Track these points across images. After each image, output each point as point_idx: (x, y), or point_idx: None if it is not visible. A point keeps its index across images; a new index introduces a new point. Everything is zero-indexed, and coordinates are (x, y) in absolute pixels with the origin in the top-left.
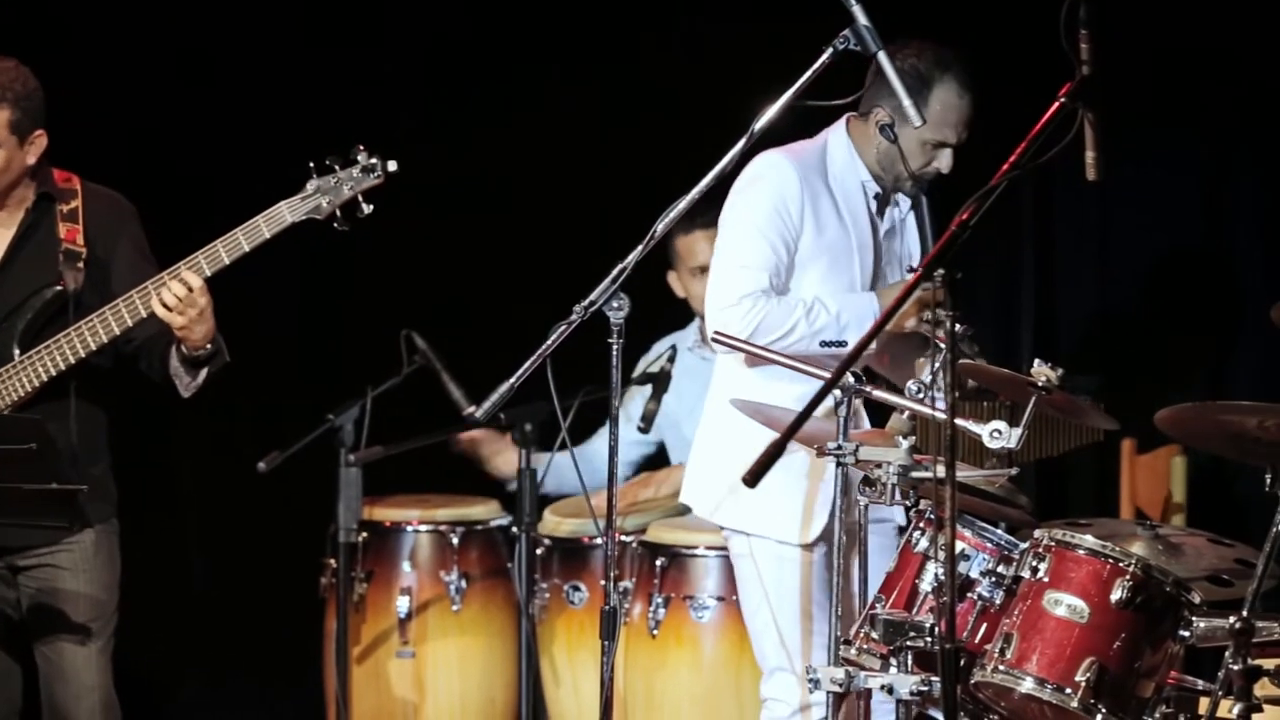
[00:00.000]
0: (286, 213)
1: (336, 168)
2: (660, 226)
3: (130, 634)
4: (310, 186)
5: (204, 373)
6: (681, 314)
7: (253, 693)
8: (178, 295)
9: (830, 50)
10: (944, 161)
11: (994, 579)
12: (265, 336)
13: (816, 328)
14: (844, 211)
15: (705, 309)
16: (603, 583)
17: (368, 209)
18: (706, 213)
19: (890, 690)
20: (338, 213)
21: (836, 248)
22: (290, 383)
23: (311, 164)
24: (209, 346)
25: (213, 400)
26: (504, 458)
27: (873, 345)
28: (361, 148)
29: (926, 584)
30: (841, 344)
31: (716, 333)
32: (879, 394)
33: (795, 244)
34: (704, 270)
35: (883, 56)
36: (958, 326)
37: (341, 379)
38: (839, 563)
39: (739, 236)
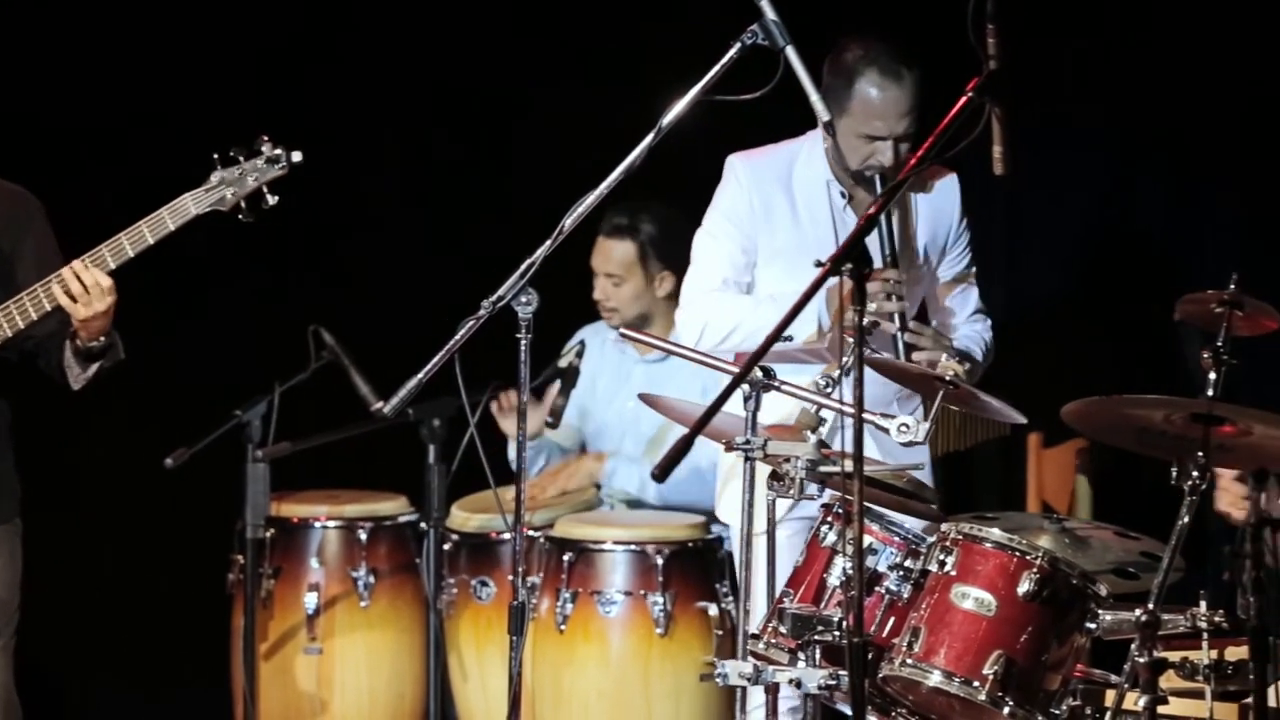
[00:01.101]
0: (191, 204)
1: (241, 159)
2: (568, 222)
3: (35, 632)
4: (214, 178)
5: (95, 366)
6: (591, 309)
7: (160, 690)
8: (85, 285)
9: (738, 45)
10: (883, 156)
11: (901, 573)
12: (172, 332)
13: (760, 324)
14: (802, 212)
15: None
16: (510, 578)
17: (273, 200)
18: (613, 218)
19: (798, 684)
20: (243, 204)
21: (790, 248)
22: (197, 378)
23: (215, 155)
24: (103, 339)
25: (119, 397)
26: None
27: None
28: (266, 138)
29: (834, 578)
30: (788, 339)
31: (623, 330)
32: (787, 388)
33: (752, 243)
34: (608, 276)
35: (790, 51)
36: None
37: (249, 375)
38: (744, 557)
39: (697, 239)
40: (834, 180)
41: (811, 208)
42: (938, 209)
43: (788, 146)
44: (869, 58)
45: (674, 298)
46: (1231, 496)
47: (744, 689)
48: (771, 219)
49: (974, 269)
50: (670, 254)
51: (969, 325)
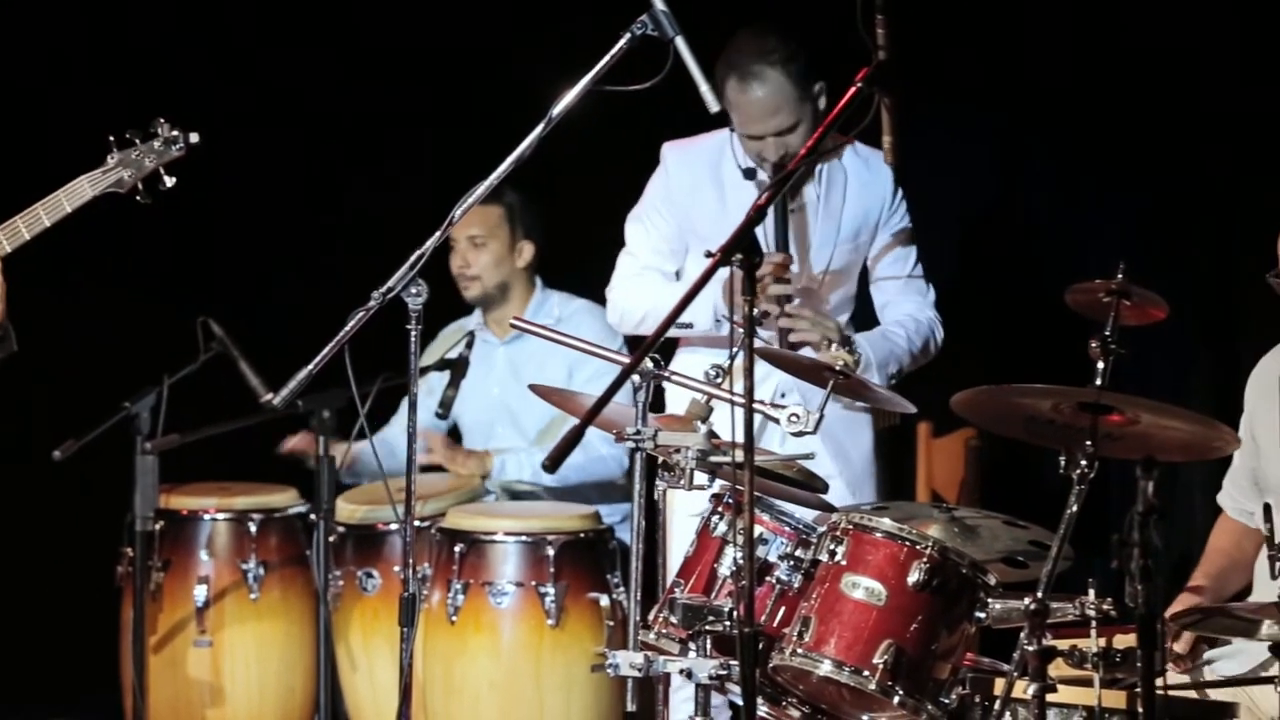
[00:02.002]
0: (87, 186)
1: (137, 141)
2: (458, 212)
3: None
4: (111, 160)
5: None
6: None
7: (48, 684)
8: None
9: (628, 35)
10: (768, 152)
11: (792, 562)
12: (60, 323)
13: (664, 310)
14: (728, 198)
15: None
16: (396, 569)
17: (170, 182)
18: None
19: (689, 674)
20: (140, 186)
21: (715, 234)
22: (85, 370)
23: (111, 137)
24: None
25: (6, 389)
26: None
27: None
28: (163, 120)
29: (725, 568)
30: (688, 325)
31: (515, 319)
32: (677, 378)
33: (678, 230)
34: (471, 238)
35: (680, 42)
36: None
37: (137, 366)
38: (638, 548)
39: (627, 224)
40: (753, 167)
41: (736, 195)
42: (869, 188)
43: (721, 135)
44: (729, 63)
45: (532, 269)
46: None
47: (666, 683)
48: (697, 206)
49: (913, 243)
50: (531, 225)
51: (904, 305)
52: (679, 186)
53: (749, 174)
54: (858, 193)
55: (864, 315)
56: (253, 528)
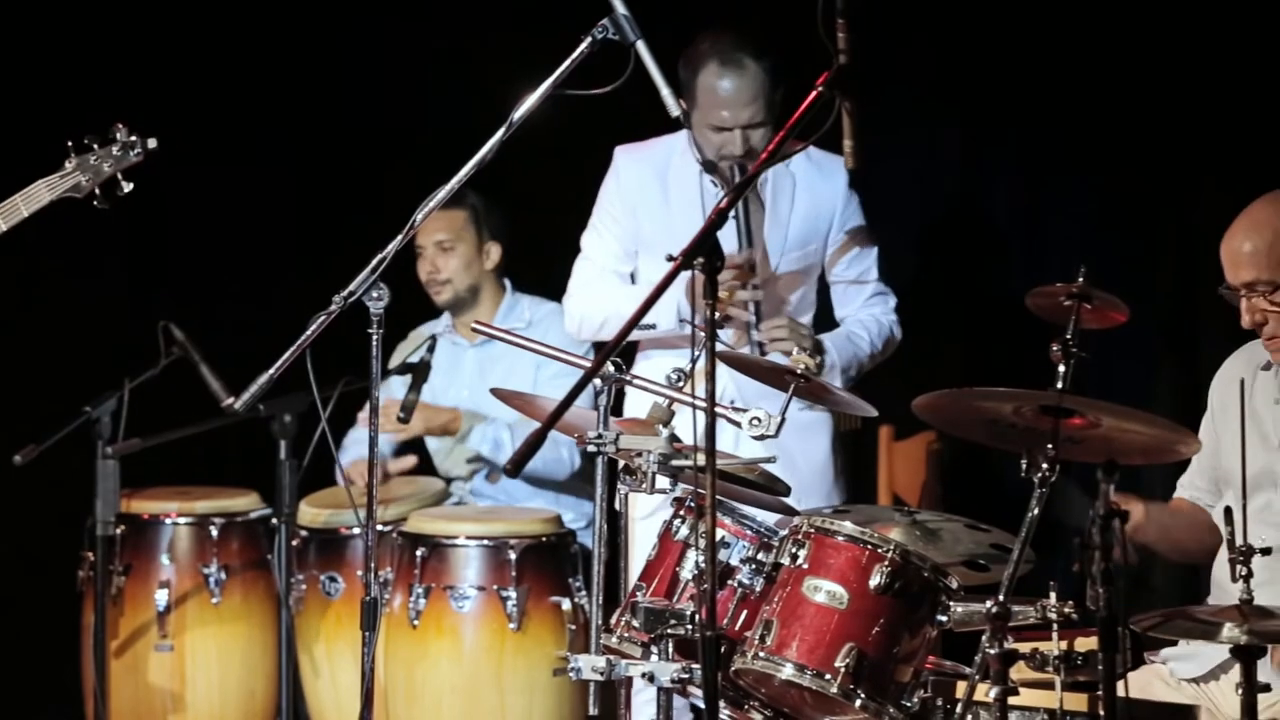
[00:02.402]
0: (45, 191)
1: (96, 146)
2: (420, 216)
3: None
4: (69, 164)
5: None
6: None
7: (9, 688)
8: None
9: (589, 39)
10: (733, 146)
11: (754, 566)
12: (20, 327)
13: (625, 314)
14: (674, 202)
15: None
16: (359, 573)
17: (128, 187)
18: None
19: (651, 678)
20: (98, 191)
21: (662, 238)
22: (46, 374)
23: (70, 142)
24: None
25: None
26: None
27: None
28: (121, 126)
29: (687, 572)
30: (651, 326)
31: (477, 323)
32: (639, 382)
33: (630, 234)
34: (438, 243)
35: (641, 46)
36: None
37: (98, 371)
38: (600, 551)
39: (587, 228)
40: (703, 169)
41: (684, 197)
42: (819, 194)
43: (673, 138)
44: (711, 50)
45: (499, 271)
46: None
47: (628, 687)
48: (645, 209)
49: (872, 249)
50: (496, 227)
51: (867, 309)
52: (629, 189)
53: (708, 167)
54: (806, 198)
55: (824, 319)
56: (214, 532)
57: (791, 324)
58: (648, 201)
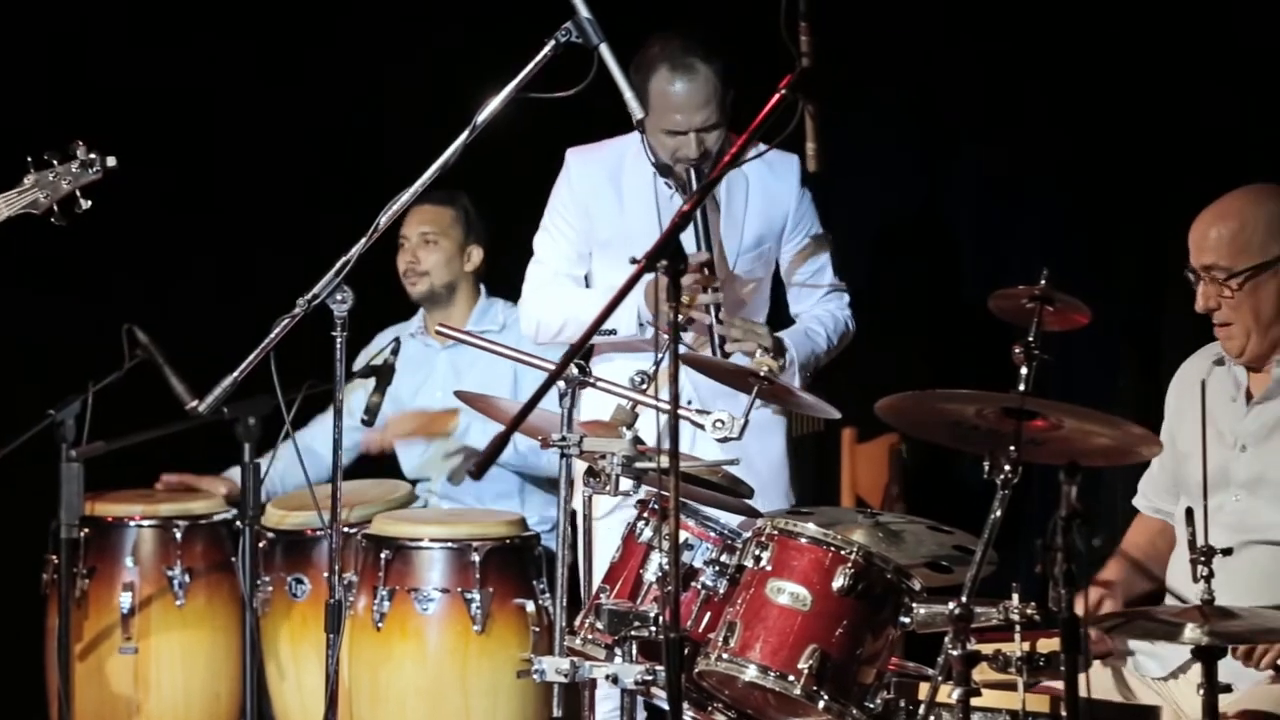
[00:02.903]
0: (2, 207)
1: (55, 162)
2: (384, 219)
3: None
4: (27, 181)
5: None
6: (406, 306)
7: None
8: None
9: (552, 43)
10: (687, 149)
11: (717, 568)
12: None
13: (588, 317)
14: (628, 204)
15: None
16: (326, 576)
17: (86, 204)
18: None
19: (615, 680)
20: (55, 208)
21: (616, 240)
22: (9, 377)
23: (29, 158)
24: None
25: None
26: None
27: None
28: (80, 143)
29: (651, 574)
30: (611, 332)
31: (440, 325)
32: (603, 384)
33: (583, 236)
34: (423, 234)
35: (604, 49)
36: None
37: (62, 374)
38: (564, 554)
39: (537, 235)
40: (657, 173)
41: (638, 199)
42: (773, 194)
43: (624, 140)
44: (662, 54)
45: (478, 275)
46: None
47: (592, 689)
48: (599, 212)
49: (826, 247)
50: (481, 231)
51: (822, 305)
52: (582, 190)
53: (663, 170)
54: (760, 199)
55: (777, 318)
56: (178, 534)
57: (744, 323)
58: (601, 203)
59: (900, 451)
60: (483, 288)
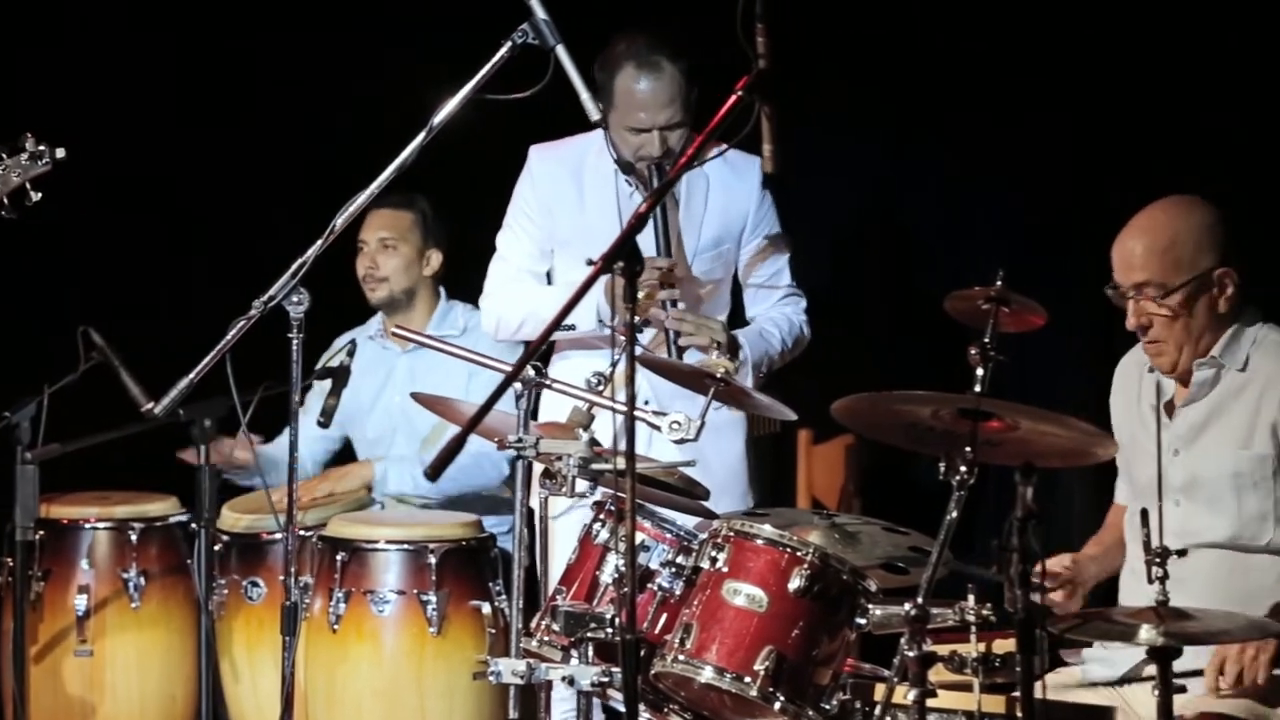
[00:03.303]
0: None
1: (4, 155)
2: (339, 221)
3: None
4: None
5: None
6: (365, 308)
7: None
8: None
9: (509, 44)
10: (650, 147)
11: (674, 569)
12: None
13: (548, 314)
14: (589, 201)
15: None
16: (281, 578)
17: (36, 196)
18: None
19: (571, 682)
20: (5, 200)
21: (577, 237)
22: None
23: None
24: None
25: None
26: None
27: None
28: (29, 135)
29: (607, 575)
30: (570, 327)
31: (396, 327)
32: (559, 386)
33: (545, 233)
34: (382, 240)
35: (561, 50)
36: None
37: (17, 376)
38: (520, 555)
39: (502, 228)
40: (619, 169)
41: (599, 197)
42: (733, 194)
43: (587, 137)
44: (628, 52)
45: (437, 279)
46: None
47: (548, 690)
48: (560, 209)
49: (785, 250)
50: (440, 235)
51: (779, 308)
52: (544, 188)
53: (626, 167)
54: (720, 199)
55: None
56: (133, 537)
57: (697, 317)
58: (563, 201)
59: (856, 452)
60: (442, 291)
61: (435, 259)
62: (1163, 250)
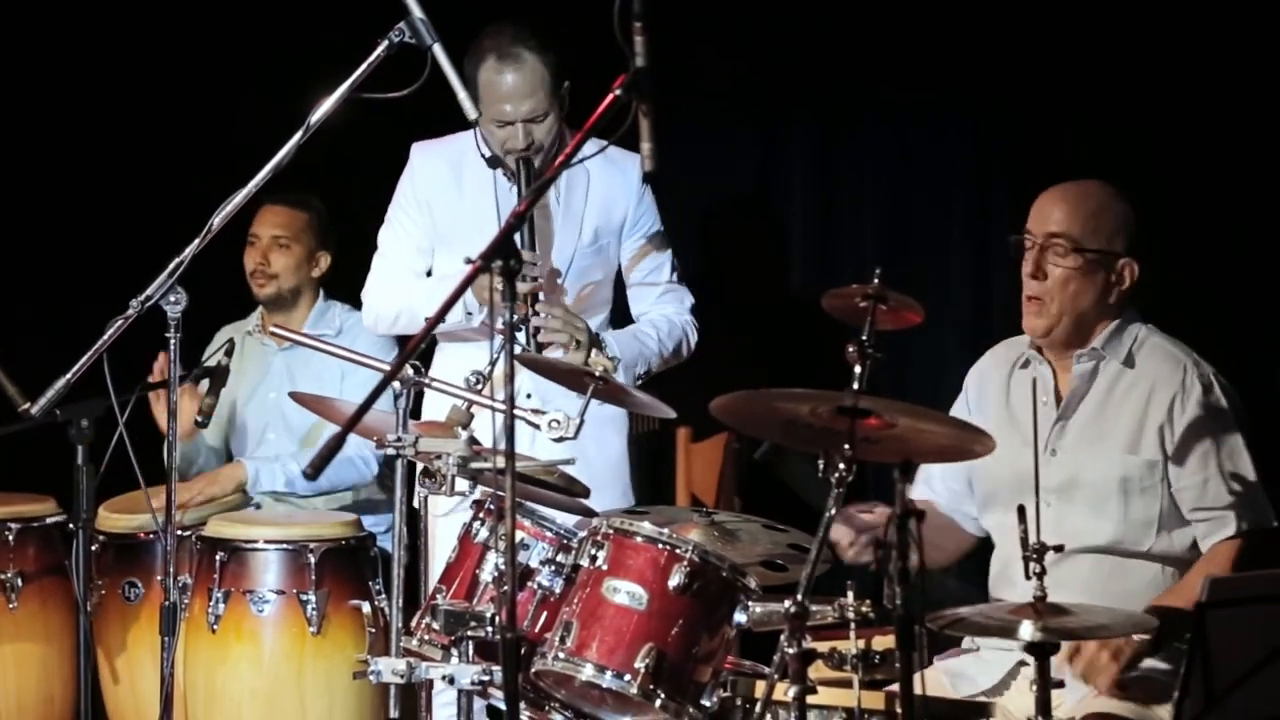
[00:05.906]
0: None
1: None
2: (217, 220)
3: None
4: None
5: None
6: (248, 303)
7: None
8: None
9: (385, 43)
10: (515, 140)
11: (554, 567)
12: None
13: (421, 308)
14: (467, 197)
15: None
16: (160, 578)
17: None
18: (283, 193)
19: (452, 680)
20: None
21: (455, 231)
22: None
23: None
24: None
25: None
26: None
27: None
28: None
29: (487, 574)
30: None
31: (275, 326)
32: (438, 385)
33: (424, 229)
34: (275, 238)
35: (438, 49)
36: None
37: None
38: (400, 554)
39: (383, 225)
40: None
41: (477, 193)
42: (613, 190)
43: (469, 134)
44: (491, 44)
45: (320, 281)
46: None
47: (429, 689)
48: (439, 204)
49: (665, 246)
50: (331, 238)
51: (659, 307)
52: (424, 184)
53: (493, 162)
54: (600, 195)
55: (622, 321)
56: (10, 537)
57: (565, 314)
58: (442, 196)
59: (735, 450)
60: (321, 290)
61: (324, 261)
62: (1086, 216)
